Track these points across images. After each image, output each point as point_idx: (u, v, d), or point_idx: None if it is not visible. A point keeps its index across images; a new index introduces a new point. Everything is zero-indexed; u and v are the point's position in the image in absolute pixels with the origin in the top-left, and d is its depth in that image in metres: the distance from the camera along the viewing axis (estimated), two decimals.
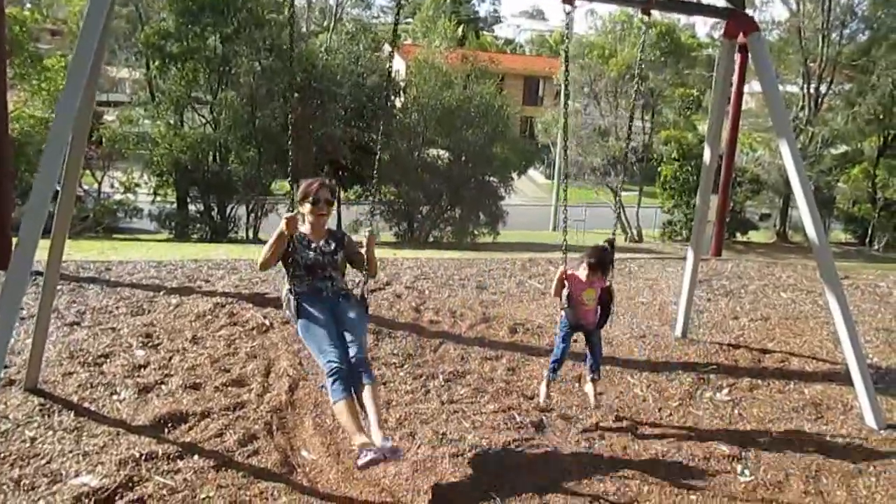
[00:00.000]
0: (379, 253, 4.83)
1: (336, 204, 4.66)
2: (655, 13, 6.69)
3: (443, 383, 5.34)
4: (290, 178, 4.40)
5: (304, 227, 4.36)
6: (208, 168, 18.36)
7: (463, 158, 21.35)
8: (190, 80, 17.64)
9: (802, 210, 4.81)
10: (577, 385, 5.49)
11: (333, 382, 3.85)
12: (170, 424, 4.38)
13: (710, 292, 8.32)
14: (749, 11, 22.39)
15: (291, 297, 4.12)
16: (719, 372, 5.76)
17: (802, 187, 4.71)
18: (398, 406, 4.92)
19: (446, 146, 21.87)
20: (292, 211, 4.16)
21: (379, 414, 3.86)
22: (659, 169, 22.58)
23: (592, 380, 4.84)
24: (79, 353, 5.29)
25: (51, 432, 4.13)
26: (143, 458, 3.95)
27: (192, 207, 20.57)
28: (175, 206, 20.38)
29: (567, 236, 4.63)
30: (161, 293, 6.97)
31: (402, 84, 21.99)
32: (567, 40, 4.72)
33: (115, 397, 4.67)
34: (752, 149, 23.21)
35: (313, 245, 4.29)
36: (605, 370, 5.77)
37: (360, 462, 3.60)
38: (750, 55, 4.86)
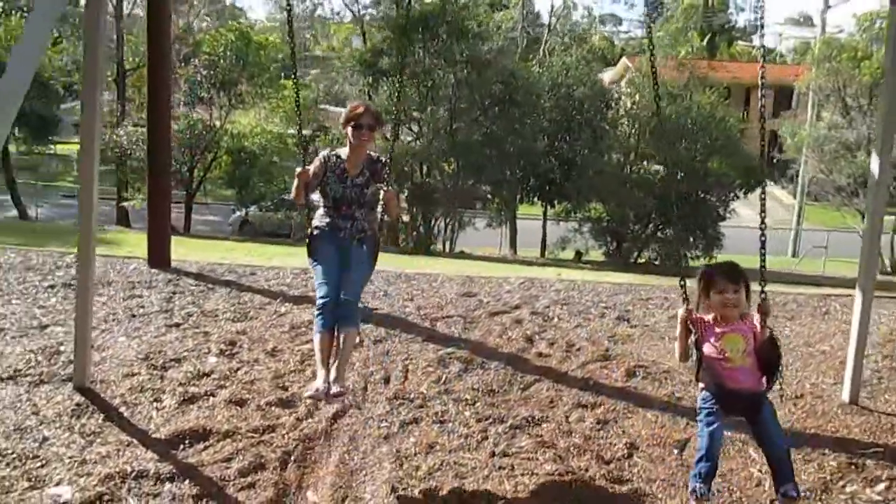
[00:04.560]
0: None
1: (380, 128, 4.46)
2: None
3: (507, 430, 4.55)
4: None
5: (344, 151, 4.31)
6: (412, 180, 18.80)
7: (680, 174, 19.60)
8: (399, 94, 18.24)
9: None
10: (675, 452, 4.39)
11: (318, 316, 4.04)
12: (187, 441, 4.15)
13: None
14: None
15: (309, 232, 4.32)
16: (883, 457, 4.25)
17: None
18: (439, 452, 4.24)
19: (661, 161, 20.27)
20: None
21: (344, 360, 4.04)
22: None
23: (785, 495, 3.14)
24: (156, 354, 5.32)
25: (67, 434, 4.09)
26: (133, 475, 3.73)
27: (405, 218, 21.24)
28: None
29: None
30: (277, 301, 6.94)
31: (617, 95, 20.84)
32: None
33: (155, 405, 4.56)
34: None
35: (346, 177, 4.27)
36: (726, 436, 4.54)
37: (305, 392, 4.14)
38: None
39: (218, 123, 21.45)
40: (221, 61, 20.81)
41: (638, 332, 6.62)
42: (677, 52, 34.33)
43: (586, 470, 4.12)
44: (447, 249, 19.63)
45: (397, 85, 5.01)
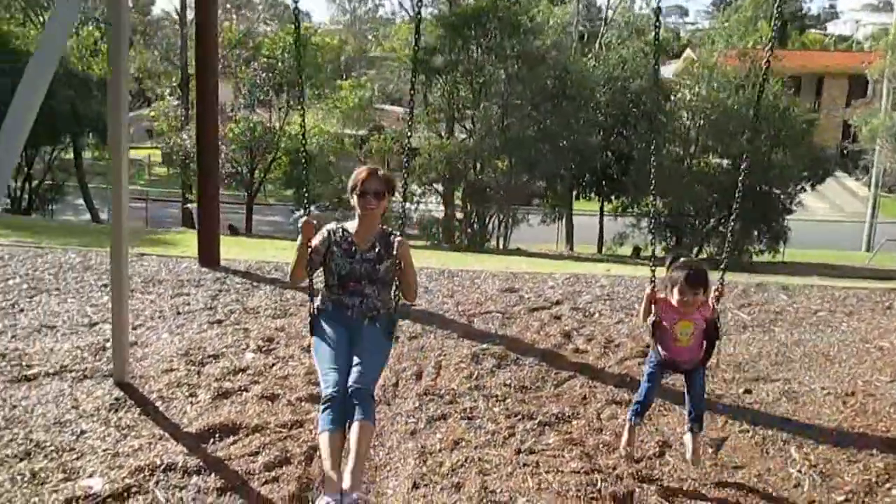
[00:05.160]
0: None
1: (391, 195, 3.89)
2: None
3: (535, 427, 4.48)
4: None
5: (352, 224, 3.86)
6: (466, 177, 18.81)
7: (742, 167, 19.00)
8: (453, 91, 18.28)
9: None
10: (710, 451, 4.24)
11: (323, 411, 3.47)
12: (217, 435, 4.23)
13: None
14: None
15: (311, 311, 3.83)
16: None
17: None
18: (465, 448, 4.21)
19: (724, 154, 19.70)
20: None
21: (359, 458, 3.36)
22: None
23: (691, 430, 3.91)
24: (195, 350, 5.45)
25: (103, 428, 4.23)
26: (162, 468, 3.83)
27: (459, 216, 21.28)
28: (442, 213, 21.27)
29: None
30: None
31: (677, 87, 20.33)
32: None
33: (190, 399, 4.67)
34: None
35: (354, 251, 3.80)
36: (767, 434, 4.43)
37: (316, 501, 3.33)
38: None
39: (277, 125, 21.94)
40: (280, 63, 21.27)
41: None
42: (745, 43, 33.28)
43: (614, 468, 4.03)
44: (501, 246, 19.56)
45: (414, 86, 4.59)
